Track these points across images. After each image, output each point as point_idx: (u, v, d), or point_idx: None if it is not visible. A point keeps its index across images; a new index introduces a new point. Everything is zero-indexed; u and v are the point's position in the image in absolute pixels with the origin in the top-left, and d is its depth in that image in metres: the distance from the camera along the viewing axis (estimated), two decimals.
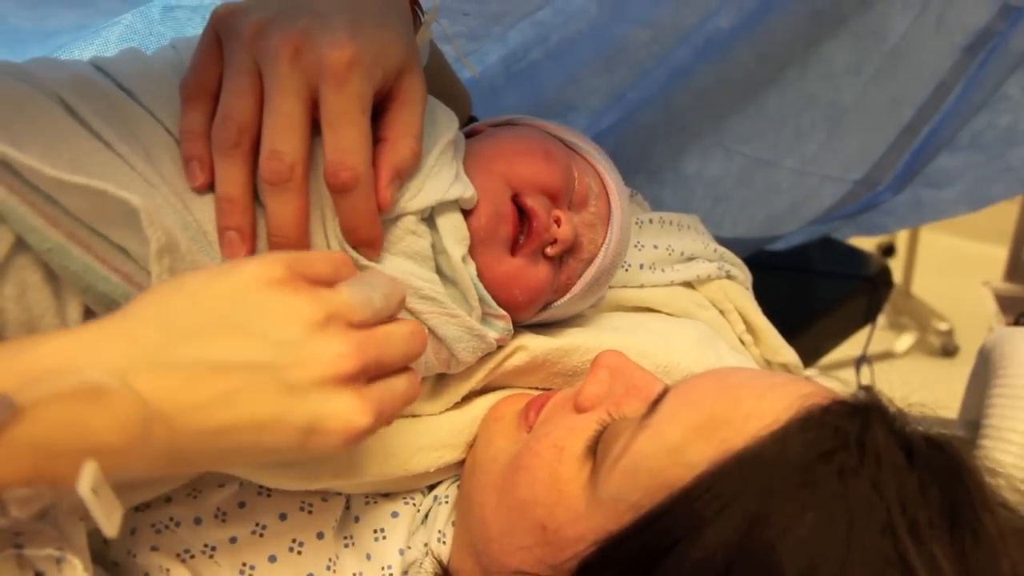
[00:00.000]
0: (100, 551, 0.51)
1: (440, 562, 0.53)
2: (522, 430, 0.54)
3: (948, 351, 2.34)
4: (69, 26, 0.41)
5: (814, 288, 1.35)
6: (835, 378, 1.88)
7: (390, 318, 0.44)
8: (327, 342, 0.39)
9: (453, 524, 0.56)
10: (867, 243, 2.42)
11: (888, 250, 2.68)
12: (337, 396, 0.39)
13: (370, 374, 0.41)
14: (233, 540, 0.51)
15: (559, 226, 0.55)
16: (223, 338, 0.38)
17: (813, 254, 1.38)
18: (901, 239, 2.58)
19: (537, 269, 0.56)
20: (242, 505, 0.52)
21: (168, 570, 0.49)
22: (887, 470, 0.39)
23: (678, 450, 0.43)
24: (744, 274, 0.80)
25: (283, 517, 0.52)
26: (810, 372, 1.93)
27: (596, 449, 0.47)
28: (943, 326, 2.36)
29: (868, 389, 1.28)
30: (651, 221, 0.76)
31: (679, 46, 0.89)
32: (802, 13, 0.86)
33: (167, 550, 0.50)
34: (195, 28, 0.48)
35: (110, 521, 0.35)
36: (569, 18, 0.87)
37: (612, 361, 0.53)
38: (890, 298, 2.38)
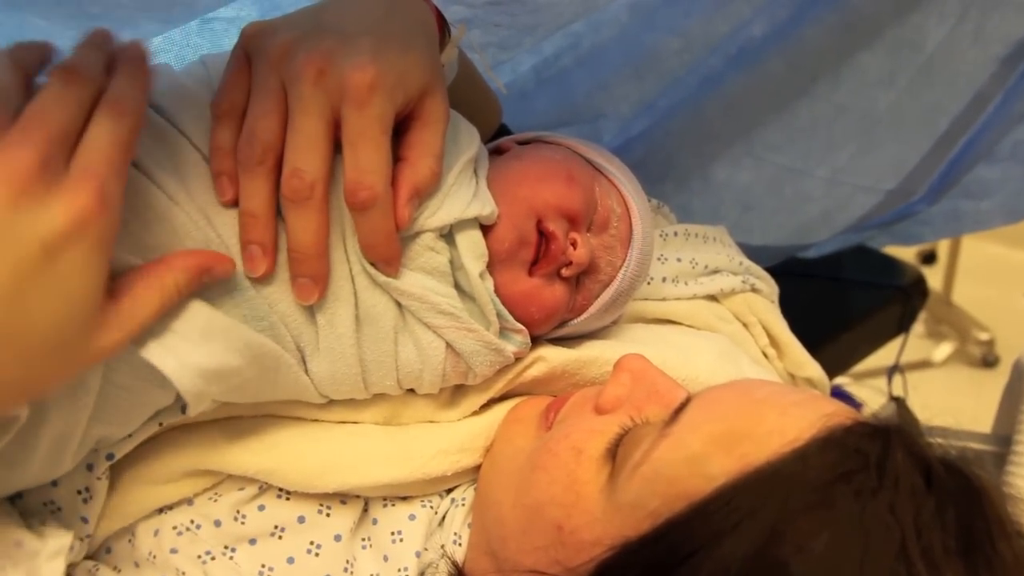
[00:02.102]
0: (125, 551, 0.53)
1: (455, 563, 0.54)
2: (542, 430, 0.54)
3: (988, 362, 2.29)
4: None
5: (847, 297, 1.33)
6: (869, 386, 1.86)
7: (27, 73, 0.41)
8: None
9: (469, 526, 0.56)
10: (908, 250, 2.39)
11: (929, 257, 2.64)
12: (39, 204, 0.37)
13: (51, 150, 0.38)
14: (252, 542, 0.52)
15: (575, 248, 0.56)
16: None
17: (847, 263, 1.36)
18: (942, 247, 2.54)
19: (553, 289, 0.57)
20: (261, 508, 0.53)
21: (184, 573, 0.50)
22: (904, 493, 0.40)
23: (698, 461, 0.43)
24: (770, 287, 0.79)
25: (301, 520, 0.53)
26: (842, 380, 1.92)
27: (616, 453, 0.48)
28: (984, 336, 2.31)
29: (898, 400, 1.26)
30: (676, 234, 0.76)
31: (710, 55, 0.89)
32: (835, 23, 0.85)
33: (187, 553, 0.51)
34: (231, 40, 0.49)
35: None
36: (600, 26, 0.87)
37: (635, 365, 0.54)
38: (929, 306, 2.35)
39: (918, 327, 2.43)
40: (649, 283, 0.71)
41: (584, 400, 0.54)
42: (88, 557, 0.53)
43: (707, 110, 0.92)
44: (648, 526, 0.43)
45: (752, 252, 1.09)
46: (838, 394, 1.90)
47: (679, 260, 0.73)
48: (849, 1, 0.85)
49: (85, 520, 0.51)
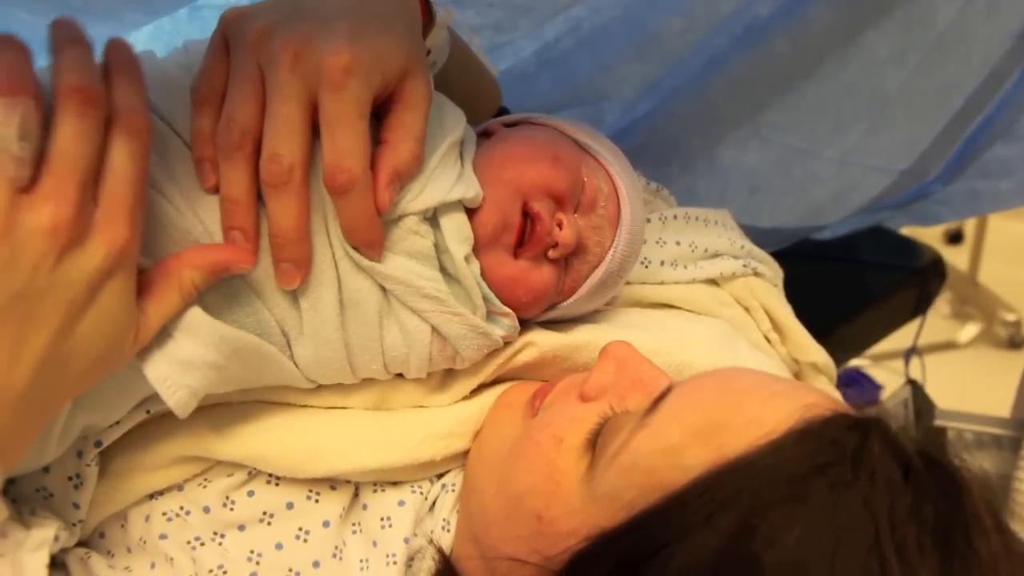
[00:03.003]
0: (118, 536, 0.53)
1: (440, 550, 0.54)
2: (528, 417, 0.54)
3: (1015, 343, 2.26)
4: (98, 37, 0.43)
5: (862, 279, 1.31)
6: (888, 368, 1.84)
7: (36, 124, 0.40)
8: (26, 229, 0.38)
9: (458, 512, 0.57)
10: (934, 229, 2.35)
11: (955, 237, 2.59)
12: (79, 248, 0.40)
13: (84, 195, 0.40)
14: (242, 528, 0.53)
15: (561, 229, 0.55)
16: None
17: (863, 244, 1.34)
18: (969, 226, 2.49)
19: (540, 271, 0.56)
20: (251, 494, 0.54)
21: (172, 559, 0.51)
22: (880, 487, 0.39)
23: (675, 451, 0.43)
24: (773, 271, 0.78)
25: (290, 506, 0.54)
26: (861, 362, 1.90)
27: (596, 442, 0.48)
28: (1011, 317, 2.28)
29: (914, 383, 1.24)
30: (676, 217, 0.75)
31: (714, 35, 0.87)
32: (842, 2, 0.83)
33: (176, 538, 0.51)
34: None
35: None
36: (601, 7, 0.86)
37: (620, 352, 0.53)
38: (955, 286, 2.31)
39: (943, 308, 2.39)
40: (647, 266, 0.70)
41: (570, 387, 0.54)
42: (82, 542, 0.54)
43: (712, 91, 0.90)
44: (623, 517, 0.42)
45: (761, 234, 1.07)
46: (856, 376, 1.89)
47: (678, 243, 0.72)
48: None
49: (76, 506, 0.52)
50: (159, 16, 0.58)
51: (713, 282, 0.74)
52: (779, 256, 1.24)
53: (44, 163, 0.39)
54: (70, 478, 0.51)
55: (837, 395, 0.79)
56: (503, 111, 0.80)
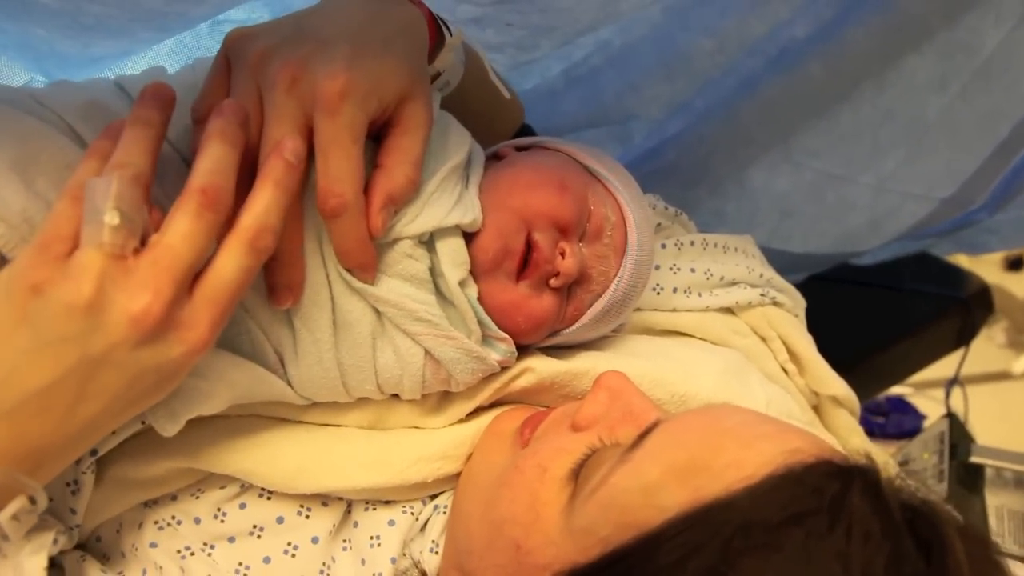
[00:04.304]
0: (113, 540, 0.54)
1: (423, 573, 0.54)
2: (517, 446, 0.54)
3: None
4: (114, 52, 0.44)
5: (904, 306, 1.28)
6: (932, 398, 1.78)
7: (140, 213, 0.41)
8: (115, 308, 0.40)
9: (445, 536, 0.56)
10: (994, 256, 2.26)
11: (1015, 264, 2.50)
12: (160, 340, 0.41)
13: (179, 292, 0.41)
14: (231, 540, 0.53)
15: (563, 258, 0.55)
16: (34, 364, 0.40)
17: (907, 271, 1.31)
18: None
19: (541, 299, 0.56)
20: (243, 507, 0.54)
21: (161, 567, 0.51)
22: (856, 540, 0.37)
23: (653, 490, 0.42)
24: (793, 301, 0.76)
25: (280, 520, 0.54)
26: (904, 391, 1.84)
27: (579, 474, 0.47)
28: None
29: (952, 416, 1.20)
30: (692, 243, 0.74)
31: (747, 56, 0.86)
32: (879, 26, 0.81)
33: (167, 547, 0.52)
34: None
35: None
36: (631, 25, 0.85)
37: (613, 383, 0.52)
38: (1012, 314, 2.22)
39: (998, 336, 2.31)
40: (659, 293, 0.69)
41: (563, 416, 0.53)
42: (80, 544, 0.55)
43: (743, 114, 0.89)
44: (597, 554, 0.41)
45: (794, 260, 1.05)
46: (897, 404, 1.84)
47: (692, 270, 0.71)
48: (896, 3, 0.80)
49: (73, 511, 0.53)
50: (172, 33, 0.59)
51: (729, 311, 0.72)
52: (818, 280, 1.21)
53: (149, 250, 0.41)
54: (68, 484, 0.52)
55: (857, 430, 0.77)
56: (527, 129, 0.80)
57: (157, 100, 0.44)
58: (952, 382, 1.31)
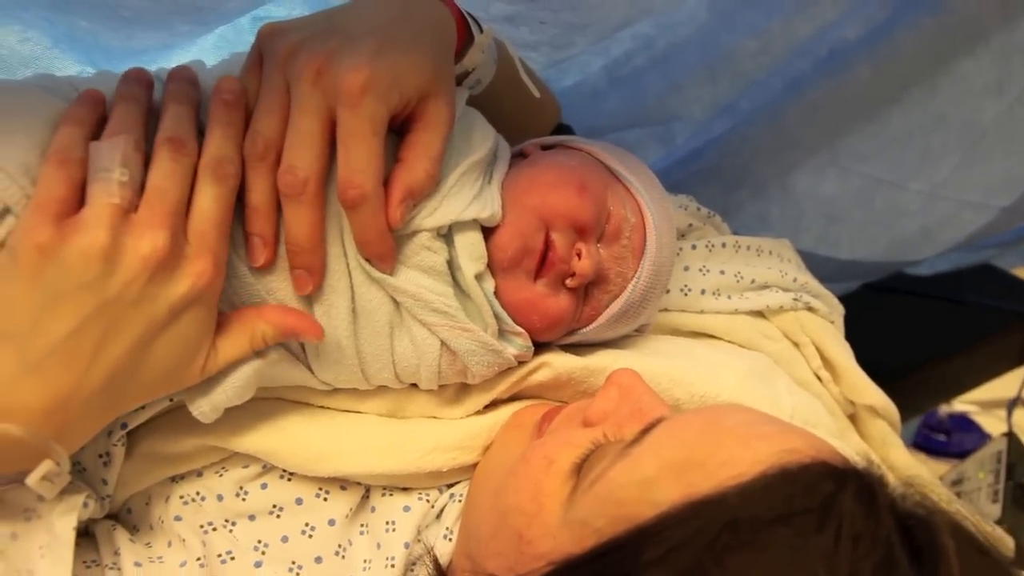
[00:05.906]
0: (142, 512, 0.57)
1: (435, 559, 0.55)
2: (535, 439, 0.54)
3: None
4: (155, 45, 0.46)
5: (963, 319, 1.24)
6: (996, 416, 1.72)
7: (139, 173, 0.46)
8: (127, 250, 0.44)
9: (460, 524, 0.57)
10: None
11: None
12: (169, 275, 0.45)
13: (176, 228, 0.45)
14: (252, 518, 0.55)
15: (580, 259, 0.55)
16: (54, 315, 0.43)
17: (968, 283, 1.27)
18: None
19: (558, 299, 0.56)
20: (264, 486, 0.56)
21: (184, 540, 0.54)
22: (845, 542, 0.37)
23: (648, 485, 0.42)
24: (828, 307, 0.75)
25: (299, 502, 0.56)
26: (968, 408, 1.78)
27: (582, 468, 0.47)
28: None
29: (1012, 436, 1.15)
30: (724, 245, 0.73)
31: (794, 57, 0.84)
32: (932, 29, 0.79)
33: (191, 521, 0.54)
34: None
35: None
36: (676, 23, 0.85)
37: (624, 380, 0.53)
38: None
39: None
40: (686, 294, 0.69)
41: (576, 411, 0.54)
42: (112, 515, 0.58)
43: (789, 116, 0.87)
44: (591, 545, 0.42)
45: (842, 266, 1.03)
46: (960, 422, 1.77)
47: (722, 272, 0.70)
48: (949, 4, 0.78)
49: (105, 482, 0.55)
50: (209, 27, 0.61)
51: (760, 314, 0.72)
52: (873, 289, 1.18)
53: (142, 197, 0.45)
54: (100, 455, 0.55)
55: (896, 443, 0.75)
56: (566, 128, 0.80)
57: (139, 82, 0.50)
58: (1014, 401, 1.26)
